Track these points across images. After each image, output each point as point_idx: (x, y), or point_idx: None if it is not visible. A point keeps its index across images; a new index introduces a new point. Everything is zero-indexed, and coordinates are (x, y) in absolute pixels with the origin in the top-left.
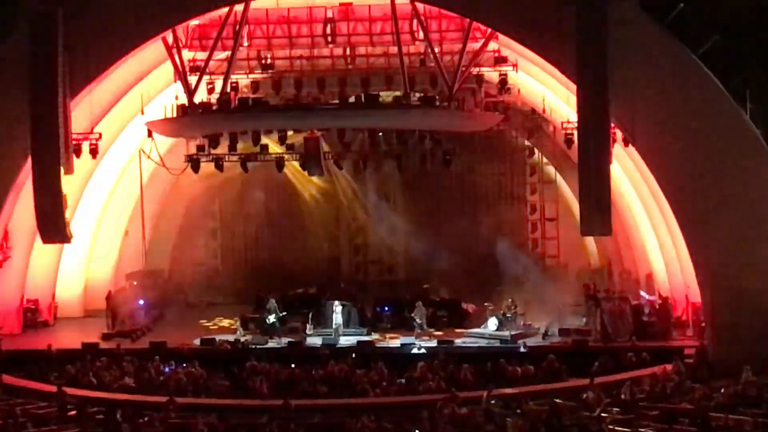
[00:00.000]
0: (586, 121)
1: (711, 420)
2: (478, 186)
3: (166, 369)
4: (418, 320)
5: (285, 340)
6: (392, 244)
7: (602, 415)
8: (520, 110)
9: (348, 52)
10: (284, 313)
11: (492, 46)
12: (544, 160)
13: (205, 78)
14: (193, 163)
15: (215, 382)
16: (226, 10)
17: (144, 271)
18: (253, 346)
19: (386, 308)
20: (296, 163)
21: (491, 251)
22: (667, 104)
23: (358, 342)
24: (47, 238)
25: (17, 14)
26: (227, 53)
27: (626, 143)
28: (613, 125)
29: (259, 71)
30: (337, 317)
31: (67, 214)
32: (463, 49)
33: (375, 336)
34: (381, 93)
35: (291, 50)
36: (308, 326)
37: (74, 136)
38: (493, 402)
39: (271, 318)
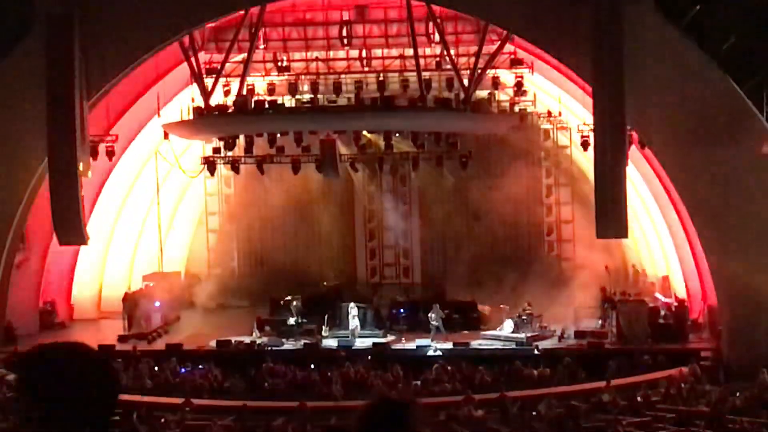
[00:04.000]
0: (602, 124)
1: (727, 423)
2: (493, 188)
3: (183, 370)
4: (434, 322)
5: (301, 342)
6: (408, 246)
7: (618, 417)
8: (536, 113)
9: (364, 54)
10: (303, 313)
11: (508, 48)
12: (560, 162)
13: (222, 80)
14: (209, 165)
15: (231, 384)
16: (242, 12)
17: (160, 273)
18: (269, 348)
19: (402, 310)
20: None
21: (507, 254)
22: (684, 106)
23: (374, 344)
24: (64, 240)
25: (33, 16)
26: (243, 55)
27: (642, 145)
28: (629, 128)
29: (275, 73)
30: (353, 319)
31: (84, 215)
32: (479, 51)
33: (391, 338)
34: (397, 95)
35: (307, 52)
36: (324, 328)
37: (91, 138)
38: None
39: (292, 320)
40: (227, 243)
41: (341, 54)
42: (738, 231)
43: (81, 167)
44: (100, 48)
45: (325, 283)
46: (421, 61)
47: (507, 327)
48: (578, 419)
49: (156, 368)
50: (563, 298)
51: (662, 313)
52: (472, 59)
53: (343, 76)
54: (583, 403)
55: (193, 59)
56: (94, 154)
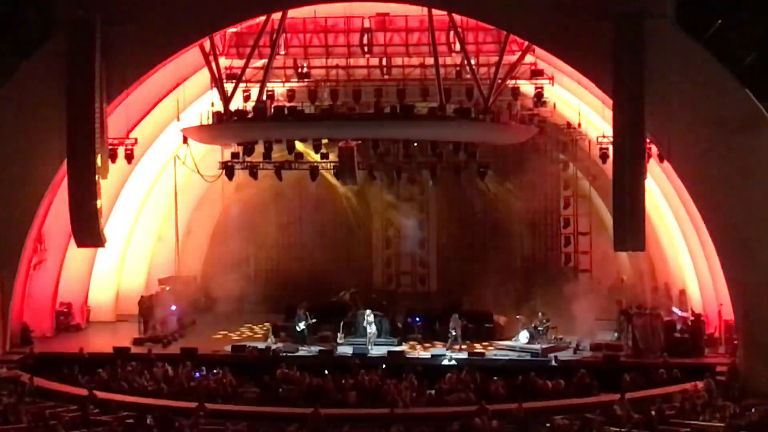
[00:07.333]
0: (621, 136)
1: None
2: (511, 198)
3: (197, 375)
4: (454, 332)
5: (316, 349)
6: (424, 255)
7: (632, 430)
8: (556, 124)
9: (384, 62)
10: (314, 320)
11: (528, 59)
12: (578, 174)
13: (242, 86)
14: (228, 170)
15: (245, 389)
16: (263, 18)
17: (176, 277)
18: (284, 354)
19: (417, 319)
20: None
21: (523, 264)
22: (703, 121)
23: (389, 352)
24: (81, 242)
25: (55, 20)
26: (264, 61)
27: (661, 159)
28: (648, 141)
29: (296, 80)
30: (369, 327)
31: (102, 218)
32: (500, 61)
33: (406, 346)
34: (416, 104)
35: (327, 59)
36: (339, 335)
37: (110, 141)
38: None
39: (301, 325)
40: (243, 248)
41: (361, 61)
42: (757, 246)
43: (100, 170)
44: (121, 52)
45: (342, 294)
46: (441, 70)
47: (522, 338)
48: None
49: (171, 372)
50: (579, 310)
51: (678, 327)
52: (493, 69)
53: (362, 83)
54: (597, 416)
55: (213, 64)
56: (113, 157)
